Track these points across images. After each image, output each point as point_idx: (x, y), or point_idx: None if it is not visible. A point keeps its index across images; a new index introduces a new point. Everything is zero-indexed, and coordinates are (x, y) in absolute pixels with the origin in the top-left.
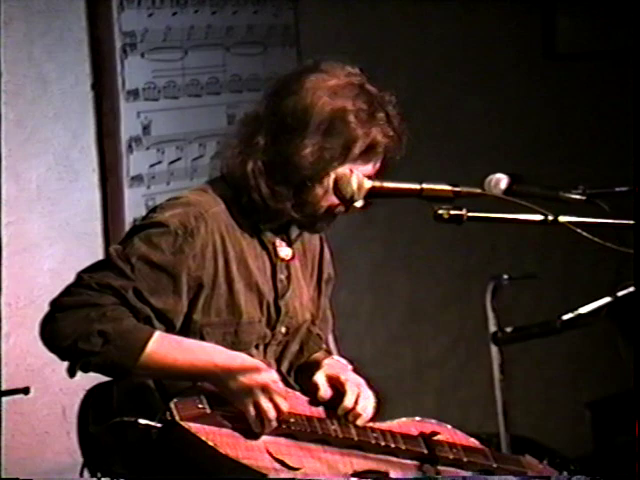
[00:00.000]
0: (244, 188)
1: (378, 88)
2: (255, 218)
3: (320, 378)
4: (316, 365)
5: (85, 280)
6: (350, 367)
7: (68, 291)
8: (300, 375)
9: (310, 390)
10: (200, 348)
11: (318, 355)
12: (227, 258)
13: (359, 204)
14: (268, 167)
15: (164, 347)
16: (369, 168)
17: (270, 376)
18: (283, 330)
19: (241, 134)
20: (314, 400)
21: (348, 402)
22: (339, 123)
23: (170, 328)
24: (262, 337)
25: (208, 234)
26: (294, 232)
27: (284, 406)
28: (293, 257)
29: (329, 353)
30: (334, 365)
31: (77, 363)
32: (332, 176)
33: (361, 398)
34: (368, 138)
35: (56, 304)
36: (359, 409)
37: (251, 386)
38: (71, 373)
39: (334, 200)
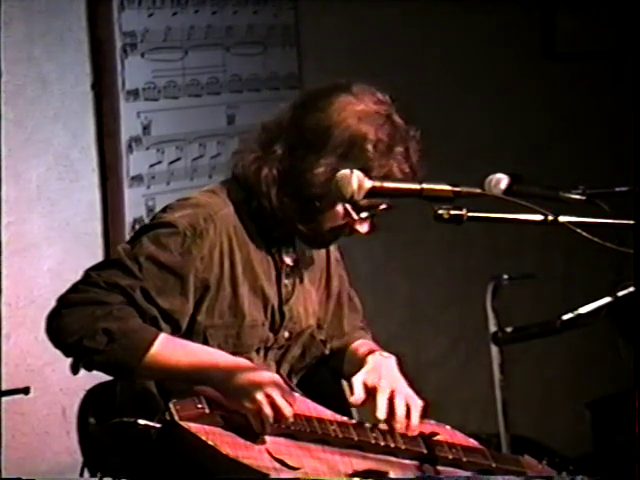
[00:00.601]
0: (255, 193)
1: (405, 120)
2: (263, 223)
3: (357, 382)
4: (359, 360)
5: (93, 278)
6: (394, 359)
7: (75, 288)
8: (344, 364)
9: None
10: (204, 351)
11: (360, 346)
12: (233, 260)
13: (364, 230)
14: (282, 177)
15: (169, 349)
16: (379, 200)
17: (272, 377)
18: (286, 335)
19: (261, 139)
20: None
21: (379, 414)
22: (357, 149)
23: (176, 329)
24: (264, 341)
25: (216, 236)
26: None
27: (288, 411)
28: (298, 263)
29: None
30: (376, 365)
31: (81, 360)
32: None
33: (397, 407)
34: (383, 170)
35: (63, 300)
36: (398, 417)
37: (252, 387)
38: (74, 370)
39: (339, 222)
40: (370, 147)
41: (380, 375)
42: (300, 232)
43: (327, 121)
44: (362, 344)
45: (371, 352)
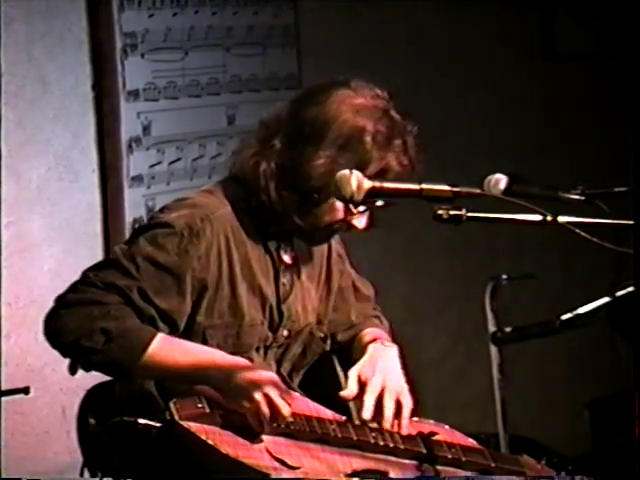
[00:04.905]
0: (254, 188)
1: (402, 116)
2: (261, 220)
3: (351, 376)
4: (362, 349)
5: (90, 278)
6: (395, 349)
7: (73, 288)
8: (353, 353)
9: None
10: (202, 351)
11: (365, 334)
12: (231, 260)
13: (361, 225)
14: (280, 171)
15: (166, 348)
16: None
17: (270, 377)
18: (285, 333)
19: (259, 135)
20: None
21: (365, 414)
22: (356, 141)
23: (174, 329)
24: (264, 340)
25: (213, 236)
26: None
27: (285, 410)
28: (296, 261)
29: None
30: (374, 356)
31: (78, 360)
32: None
33: (386, 408)
34: (382, 162)
35: (61, 300)
36: (386, 418)
37: (251, 387)
38: (72, 371)
39: (337, 216)
40: (369, 139)
41: (374, 369)
42: (298, 227)
43: (325, 114)
44: (368, 332)
45: (374, 340)
